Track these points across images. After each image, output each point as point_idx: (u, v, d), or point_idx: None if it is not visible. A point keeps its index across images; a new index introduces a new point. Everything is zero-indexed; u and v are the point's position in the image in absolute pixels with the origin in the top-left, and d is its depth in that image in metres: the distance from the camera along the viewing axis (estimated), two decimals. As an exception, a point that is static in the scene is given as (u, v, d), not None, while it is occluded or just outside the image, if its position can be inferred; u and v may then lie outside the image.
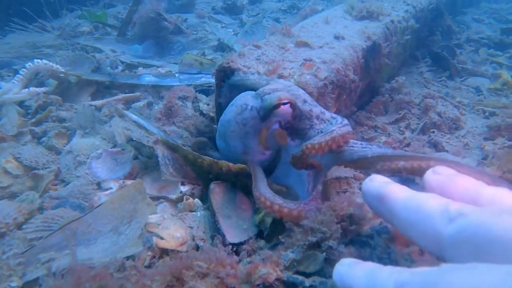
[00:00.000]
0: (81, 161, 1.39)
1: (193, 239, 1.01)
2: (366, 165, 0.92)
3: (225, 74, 1.31)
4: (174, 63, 2.38)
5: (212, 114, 1.59)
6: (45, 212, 1.16)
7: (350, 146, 0.96)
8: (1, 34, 2.77)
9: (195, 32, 2.98)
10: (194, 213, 1.11)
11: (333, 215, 0.80)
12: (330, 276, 0.66)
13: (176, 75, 2.09)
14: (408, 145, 1.54)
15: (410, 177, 0.86)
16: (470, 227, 0.52)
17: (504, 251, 0.48)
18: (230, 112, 1.14)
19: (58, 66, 1.92)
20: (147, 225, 1.03)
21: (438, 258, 0.58)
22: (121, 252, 0.92)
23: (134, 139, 1.35)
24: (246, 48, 1.41)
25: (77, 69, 2.07)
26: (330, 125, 1.03)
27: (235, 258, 0.78)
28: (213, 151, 1.36)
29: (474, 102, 1.97)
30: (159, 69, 2.22)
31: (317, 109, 1.08)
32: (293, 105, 1.05)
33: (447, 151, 1.50)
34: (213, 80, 1.61)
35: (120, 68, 2.27)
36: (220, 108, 1.36)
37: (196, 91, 1.82)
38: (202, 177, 1.22)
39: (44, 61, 1.90)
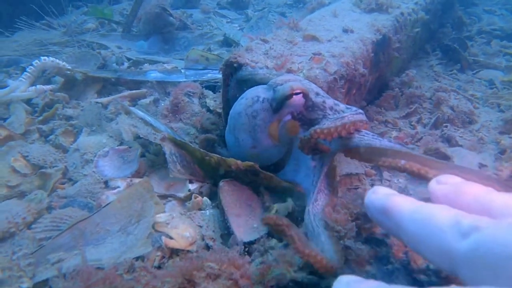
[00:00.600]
0: (88, 159, 1.38)
1: (203, 239, 0.99)
2: (370, 156, 0.89)
3: (232, 69, 1.28)
4: (180, 59, 2.35)
5: (219, 110, 1.57)
6: (53, 212, 1.16)
7: (361, 135, 0.93)
8: (10, 32, 2.77)
9: (200, 28, 2.95)
10: (203, 211, 1.10)
11: (347, 213, 0.78)
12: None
13: (182, 71, 2.07)
14: (420, 139, 1.50)
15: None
16: (486, 243, 0.49)
17: None
18: (240, 104, 1.12)
19: (64, 63, 1.91)
20: (155, 224, 1.01)
21: (450, 273, 0.54)
22: (130, 252, 0.91)
23: (141, 136, 1.34)
24: (253, 43, 1.38)
25: (83, 66, 2.06)
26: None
27: (247, 258, 0.76)
28: (220, 148, 1.34)
29: (489, 95, 1.92)
30: (165, 65, 2.20)
31: (330, 101, 1.04)
32: (305, 95, 1.02)
33: (461, 145, 1.46)
34: (219, 76, 1.58)
35: (126, 64, 2.26)
36: (227, 104, 1.34)
37: (203, 87, 1.79)
38: (210, 175, 1.20)
39: (51, 58, 1.89)
